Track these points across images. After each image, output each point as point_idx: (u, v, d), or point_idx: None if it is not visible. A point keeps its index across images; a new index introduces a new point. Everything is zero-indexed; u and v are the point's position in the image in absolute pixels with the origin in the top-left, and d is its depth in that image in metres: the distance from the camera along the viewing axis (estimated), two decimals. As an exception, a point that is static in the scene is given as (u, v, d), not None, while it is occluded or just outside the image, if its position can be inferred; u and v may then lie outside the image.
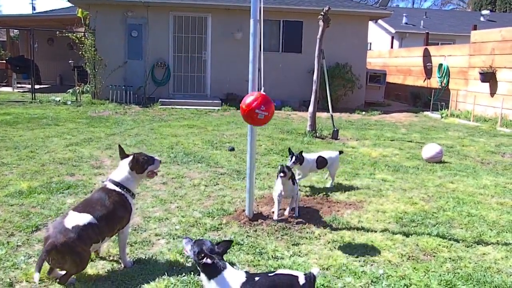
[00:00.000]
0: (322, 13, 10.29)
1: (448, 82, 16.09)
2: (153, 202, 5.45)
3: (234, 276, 2.81)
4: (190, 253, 2.93)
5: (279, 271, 2.89)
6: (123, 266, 3.78)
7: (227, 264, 2.88)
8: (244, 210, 5.03)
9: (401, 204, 5.64)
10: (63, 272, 3.45)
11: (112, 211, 3.60)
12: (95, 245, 3.56)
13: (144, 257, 3.97)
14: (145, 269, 3.73)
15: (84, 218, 3.46)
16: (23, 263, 3.78)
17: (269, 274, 2.85)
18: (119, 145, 4.05)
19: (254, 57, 4.72)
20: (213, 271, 2.83)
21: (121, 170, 3.80)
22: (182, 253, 4.02)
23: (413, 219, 5.11)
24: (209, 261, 2.81)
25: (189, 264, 3.84)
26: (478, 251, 4.32)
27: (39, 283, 3.43)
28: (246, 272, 2.95)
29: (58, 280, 3.45)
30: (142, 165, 3.83)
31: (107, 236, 3.65)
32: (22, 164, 6.98)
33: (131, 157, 3.82)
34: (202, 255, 2.84)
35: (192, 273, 3.64)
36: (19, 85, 20.07)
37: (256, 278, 2.81)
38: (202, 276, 2.89)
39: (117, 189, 3.72)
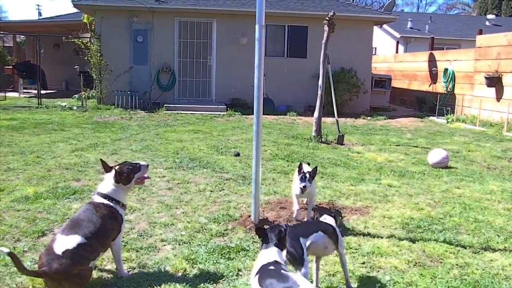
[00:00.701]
0: (327, 18, 10.31)
1: (453, 87, 16.05)
2: (159, 208, 5.45)
3: (263, 258, 2.99)
4: None
5: (291, 274, 2.84)
6: (119, 275, 3.73)
7: (267, 248, 3.07)
8: (249, 216, 5.02)
9: (407, 210, 5.62)
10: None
11: (101, 226, 3.52)
12: (92, 261, 3.49)
13: (150, 263, 3.97)
14: (151, 275, 3.72)
15: (73, 240, 3.36)
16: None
17: (282, 271, 2.84)
18: (101, 160, 3.97)
19: (260, 62, 4.70)
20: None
21: (108, 183, 3.73)
22: (188, 259, 4.02)
23: (419, 225, 5.09)
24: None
25: (196, 271, 3.83)
26: (486, 257, 4.29)
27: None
28: (273, 262, 2.97)
29: None
30: (128, 175, 3.74)
31: (101, 251, 3.58)
32: (28, 169, 7.00)
33: (113, 172, 3.72)
34: None
35: (197, 279, 3.64)
36: (25, 91, 20.19)
37: (266, 271, 2.85)
38: None
39: (105, 201, 3.65)
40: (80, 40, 15.71)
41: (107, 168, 3.81)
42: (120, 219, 3.69)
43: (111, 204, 3.67)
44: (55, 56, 23.53)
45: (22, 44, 26.97)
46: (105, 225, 3.56)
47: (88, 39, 16.16)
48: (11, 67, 21.68)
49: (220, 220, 5.05)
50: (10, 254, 3.14)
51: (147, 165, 3.93)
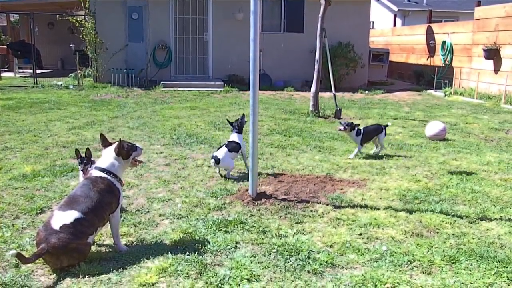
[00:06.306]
0: (324, -9, 10.16)
1: (451, 59, 15.95)
2: (157, 183, 5.46)
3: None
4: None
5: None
6: (119, 250, 3.74)
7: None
8: (247, 190, 5.04)
9: (404, 182, 5.64)
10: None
11: (99, 200, 3.56)
12: (91, 236, 3.52)
13: (148, 237, 3.99)
14: (150, 249, 3.74)
15: (70, 215, 3.41)
16: (28, 245, 3.80)
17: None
18: (101, 134, 4.01)
19: (255, 35, 4.65)
20: None
21: (107, 157, 3.78)
22: (186, 232, 4.04)
23: (416, 196, 5.12)
24: None
25: (194, 244, 3.85)
26: (482, 227, 4.33)
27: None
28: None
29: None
30: (128, 150, 3.84)
31: (99, 226, 3.62)
32: (25, 148, 7.00)
33: (116, 143, 3.80)
34: None
35: (195, 252, 3.66)
36: (20, 70, 20.03)
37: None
38: None
39: (103, 175, 3.69)
40: (75, 18, 15.52)
41: (106, 143, 3.86)
42: (117, 192, 3.71)
43: (109, 177, 3.69)
44: (49, 35, 23.23)
45: (16, 23, 26.66)
46: (102, 199, 3.59)
47: (83, 16, 15.94)
48: (5, 46, 21.47)
49: (218, 195, 5.07)
50: (17, 255, 3.21)
51: (142, 149, 4.02)
